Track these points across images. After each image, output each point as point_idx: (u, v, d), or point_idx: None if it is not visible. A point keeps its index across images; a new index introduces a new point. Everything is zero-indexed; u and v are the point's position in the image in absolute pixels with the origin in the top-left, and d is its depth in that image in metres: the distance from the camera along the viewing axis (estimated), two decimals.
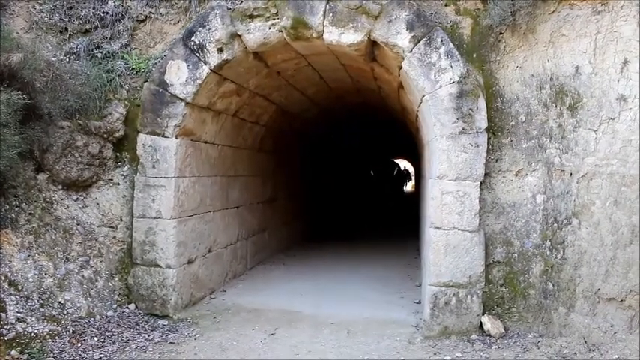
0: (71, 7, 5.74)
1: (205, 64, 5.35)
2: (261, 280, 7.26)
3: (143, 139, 5.47)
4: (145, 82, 5.50)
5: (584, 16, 4.63)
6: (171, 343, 4.76)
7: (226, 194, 6.88)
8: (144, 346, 4.63)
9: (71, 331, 4.46)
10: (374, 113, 10.42)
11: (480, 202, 4.81)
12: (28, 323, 4.21)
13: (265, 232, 8.69)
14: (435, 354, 4.48)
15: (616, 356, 4.03)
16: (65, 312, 4.64)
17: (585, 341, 4.35)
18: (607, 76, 4.54)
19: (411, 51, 4.89)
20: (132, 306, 5.37)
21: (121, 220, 5.56)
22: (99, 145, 5.39)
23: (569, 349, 4.29)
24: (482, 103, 4.78)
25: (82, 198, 5.45)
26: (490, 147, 4.87)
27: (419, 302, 6.02)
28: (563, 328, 4.58)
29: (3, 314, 4.09)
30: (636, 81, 4.37)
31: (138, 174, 5.48)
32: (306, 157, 11.10)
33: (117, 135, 5.51)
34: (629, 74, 4.42)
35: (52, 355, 4.06)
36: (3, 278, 4.32)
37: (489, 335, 4.68)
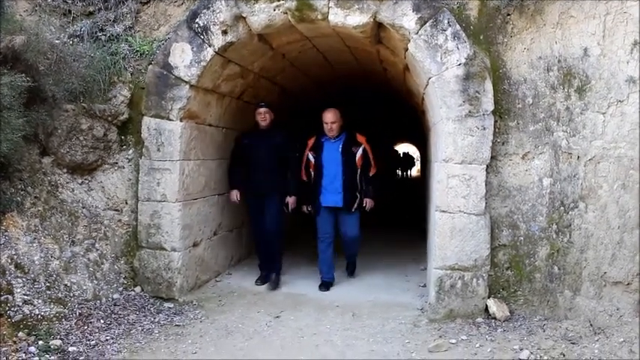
0: None
1: (210, 46, 5.30)
2: None
3: (148, 122, 5.45)
4: (149, 64, 5.46)
5: None
6: (176, 325, 4.78)
7: None
8: (150, 328, 4.66)
9: (77, 313, 4.48)
10: (379, 96, 10.35)
11: (486, 185, 4.78)
12: (34, 306, 4.23)
13: None
14: (440, 337, 4.48)
15: (622, 339, 4.02)
16: (71, 295, 4.66)
17: (591, 324, 4.34)
18: (616, 58, 4.47)
19: (417, 33, 4.83)
20: (137, 289, 5.39)
21: (126, 203, 5.56)
22: (103, 129, 5.37)
23: (575, 332, 4.28)
24: (488, 85, 4.72)
25: (87, 181, 5.45)
26: (497, 130, 4.81)
27: (424, 286, 6.02)
28: (569, 312, 4.58)
29: (10, 297, 4.11)
30: None
31: (143, 157, 5.47)
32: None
33: (121, 118, 5.49)
34: (638, 56, 4.36)
35: (59, 337, 4.07)
36: (9, 261, 4.33)
37: (495, 318, 4.68)
